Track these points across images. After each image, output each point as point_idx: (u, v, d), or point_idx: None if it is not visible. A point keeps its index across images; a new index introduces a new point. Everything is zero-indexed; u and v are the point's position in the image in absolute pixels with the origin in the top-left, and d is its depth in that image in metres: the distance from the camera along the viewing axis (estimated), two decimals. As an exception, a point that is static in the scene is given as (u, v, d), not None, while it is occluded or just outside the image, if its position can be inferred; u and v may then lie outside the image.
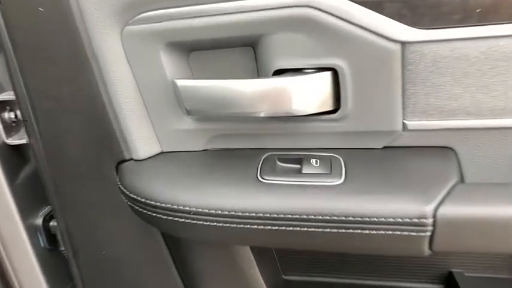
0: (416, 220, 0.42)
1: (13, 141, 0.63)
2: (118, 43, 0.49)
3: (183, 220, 0.51)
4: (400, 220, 0.43)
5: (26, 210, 0.66)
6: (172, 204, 0.51)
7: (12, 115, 0.63)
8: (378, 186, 0.46)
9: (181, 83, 0.47)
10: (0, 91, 0.61)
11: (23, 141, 0.62)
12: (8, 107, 0.62)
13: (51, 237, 0.70)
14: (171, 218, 0.51)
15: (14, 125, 0.63)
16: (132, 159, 0.57)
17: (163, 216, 0.52)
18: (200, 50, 0.51)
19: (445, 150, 0.50)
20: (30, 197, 0.67)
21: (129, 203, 0.57)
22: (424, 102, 0.46)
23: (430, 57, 0.43)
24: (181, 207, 0.50)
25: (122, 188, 0.56)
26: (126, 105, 0.52)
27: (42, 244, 0.70)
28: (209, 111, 0.48)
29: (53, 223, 0.70)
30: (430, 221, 0.42)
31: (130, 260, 0.66)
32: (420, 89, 0.45)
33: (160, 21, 0.46)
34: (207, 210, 0.49)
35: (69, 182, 0.61)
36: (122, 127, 0.54)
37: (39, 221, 0.69)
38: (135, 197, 0.54)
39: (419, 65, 0.43)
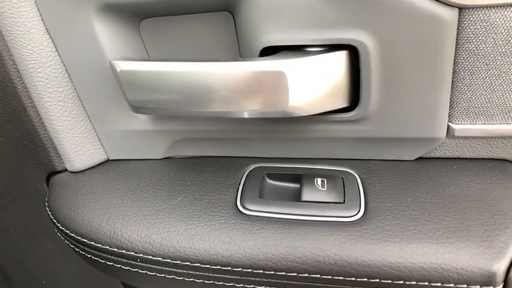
0: (477, 287, 0.32)
1: None
2: (31, 8, 0.38)
3: (127, 268, 0.39)
4: (453, 286, 0.32)
5: None
6: (111, 246, 0.38)
7: None
8: (414, 226, 0.35)
9: (122, 65, 0.36)
10: None
11: None
12: None
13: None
14: (111, 263, 0.39)
15: None
16: (66, 170, 0.47)
17: (100, 260, 0.39)
18: (155, 17, 0.40)
19: (504, 165, 0.40)
20: None
21: (58, 233, 0.43)
22: (484, 98, 0.36)
23: (504, 30, 0.33)
24: (123, 252, 0.38)
25: (49, 212, 0.45)
26: (51, 97, 0.42)
27: None
28: (165, 108, 0.37)
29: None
30: None
31: None
32: (481, 79, 0.35)
33: None
34: (160, 259, 0.37)
35: None
36: (48, 127, 0.43)
37: None
38: (63, 229, 0.41)
39: (485, 41, 0.34)
